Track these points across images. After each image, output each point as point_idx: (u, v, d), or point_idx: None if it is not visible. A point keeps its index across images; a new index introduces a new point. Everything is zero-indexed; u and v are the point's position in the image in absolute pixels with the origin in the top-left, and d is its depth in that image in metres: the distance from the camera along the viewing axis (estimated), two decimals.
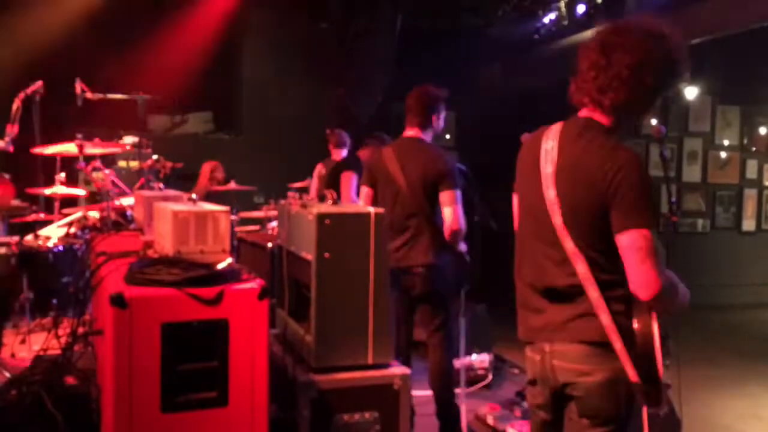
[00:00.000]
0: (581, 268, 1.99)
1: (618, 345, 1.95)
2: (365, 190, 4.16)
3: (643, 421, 2.08)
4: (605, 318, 1.97)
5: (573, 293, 2.05)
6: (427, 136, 4.05)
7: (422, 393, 4.16)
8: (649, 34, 2.02)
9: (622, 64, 1.99)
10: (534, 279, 2.18)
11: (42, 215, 5.22)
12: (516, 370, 5.56)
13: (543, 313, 2.14)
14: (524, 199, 2.25)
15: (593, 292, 1.98)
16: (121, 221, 4.02)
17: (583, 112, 2.15)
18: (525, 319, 2.23)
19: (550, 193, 2.05)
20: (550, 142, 2.12)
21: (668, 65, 2.04)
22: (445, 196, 3.83)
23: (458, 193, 3.86)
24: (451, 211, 3.81)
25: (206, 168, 7.03)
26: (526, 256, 2.22)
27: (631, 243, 1.92)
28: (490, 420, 4.35)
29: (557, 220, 2.03)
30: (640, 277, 1.92)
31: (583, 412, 2.07)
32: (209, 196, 6.45)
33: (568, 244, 2.01)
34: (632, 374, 1.95)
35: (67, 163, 5.24)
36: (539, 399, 2.22)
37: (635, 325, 1.94)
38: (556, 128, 2.17)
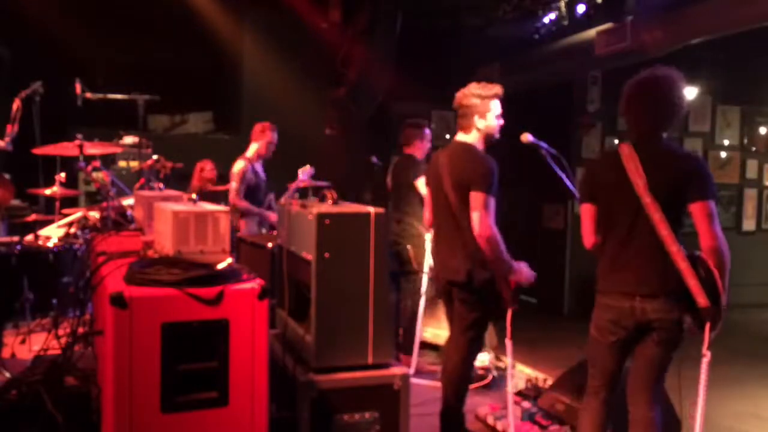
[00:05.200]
0: (664, 230, 2.84)
1: (693, 282, 2.78)
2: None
3: (705, 339, 2.83)
4: (684, 264, 2.80)
5: (657, 252, 2.87)
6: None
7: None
8: (675, 81, 3.03)
9: (667, 104, 3.02)
10: (623, 242, 2.98)
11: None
12: (516, 370, 5.55)
13: (632, 269, 2.94)
14: (609, 194, 3.06)
15: (673, 246, 2.82)
16: (121, 221, 4.02)
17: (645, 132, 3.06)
18: (616, 274, 3.00)
19: (639, 182, 2.91)
20: (626, 149, 3.02)
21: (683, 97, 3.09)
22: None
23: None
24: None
25: (197, 167, 7.04)
26: (615, 228, 3.03)
27: (704, 209, 2.82)
28: (490, 420, 4.35)
29: (647, 199, 2.88)
30: (712, 234, 2.80)
31: (661, 339, 2.94)
32: (204, 196, 6.45)
33: (656, 215, 2.86)
34: (704, 301, 2.75)
35: (67, 163, 5.24)
36: (619, 333, 3.01)
37: (700, 268, 2.80)
38: (626, 146, 3.05)
